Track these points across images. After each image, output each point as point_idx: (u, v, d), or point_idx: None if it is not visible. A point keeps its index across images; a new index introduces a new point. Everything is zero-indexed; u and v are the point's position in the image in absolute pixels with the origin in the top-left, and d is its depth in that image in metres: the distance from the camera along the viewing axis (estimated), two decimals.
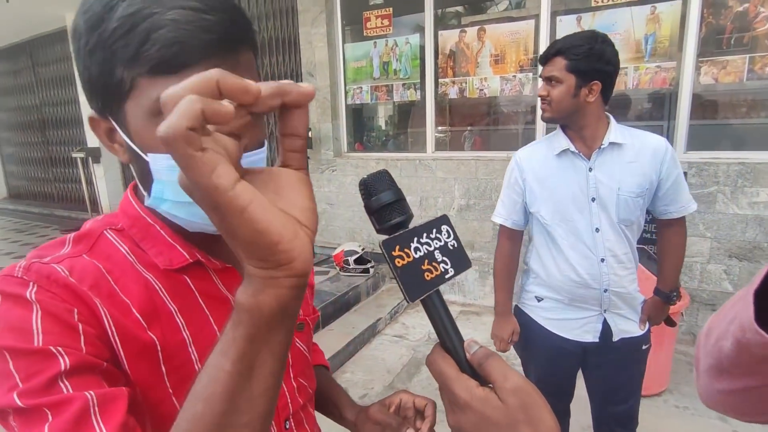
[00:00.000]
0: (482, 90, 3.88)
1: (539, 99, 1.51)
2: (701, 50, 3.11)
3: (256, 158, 0.52)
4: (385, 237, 0.45)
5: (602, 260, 1.52)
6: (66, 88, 7.46)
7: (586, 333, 1.58)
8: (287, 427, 0.67)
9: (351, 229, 4.56)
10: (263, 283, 0.35)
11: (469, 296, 4.04)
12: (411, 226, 0.47)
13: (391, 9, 4.15)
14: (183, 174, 0.31)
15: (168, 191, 0.49)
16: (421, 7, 3.99)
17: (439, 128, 4.18)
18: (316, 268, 3.95)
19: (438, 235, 0.48)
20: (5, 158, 9.34)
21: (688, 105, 3.17)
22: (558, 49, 1.41)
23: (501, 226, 1.71)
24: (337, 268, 4.15)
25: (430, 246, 0.47)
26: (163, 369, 0.53)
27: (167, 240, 0.57)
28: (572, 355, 1.62)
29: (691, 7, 3.07)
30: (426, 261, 0.46)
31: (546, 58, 1.45)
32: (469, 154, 3.95)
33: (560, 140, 1.51)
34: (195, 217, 0.51)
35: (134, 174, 0.56)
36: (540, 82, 1.50)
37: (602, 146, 1.46)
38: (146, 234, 0.57)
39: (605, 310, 1.57)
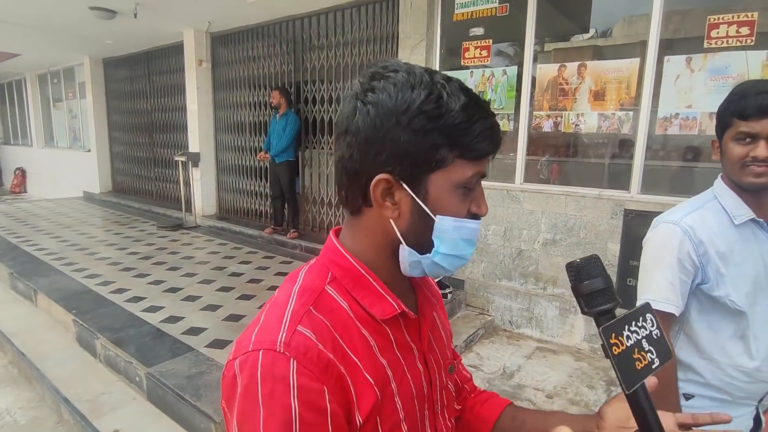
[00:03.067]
0: (578, 125, 3.83)
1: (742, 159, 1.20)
2: None
3: (478, 227, 0.68)
4: (604, 324, 0.47)
5: None
6: (175, 97, 8.13)
7: None
8: None
9: None
10: None
11: (547, 332, 3.94)
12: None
13: (490, 40, 4.22)
14: None
15: (443, 246, 0.63)
16: (521, 40, 4.01)
17: (528, 159, 4.15)
18: None
19: (643, 324, 0.50)
20: (114, 155, 10.26)
21: None
22: None
23: (661, 313, 1.31)
24: None
25: (638, 334, 0.49)
26: (378, 420, 0.61)
27: (378, 291, 0.66)
28: None
29: None
30: (636, 350, 0.48)
31: None
32: (559, 188, 3.89)
33: (740, 207, 1.26)
34: (451, 267, 0.65)
35: (401, 230, 0.64)
36: (745, 139, 1.20)
37: None
38: (357, 284, 0.65)
39: (760, 403, 1.36)
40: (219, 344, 3.22)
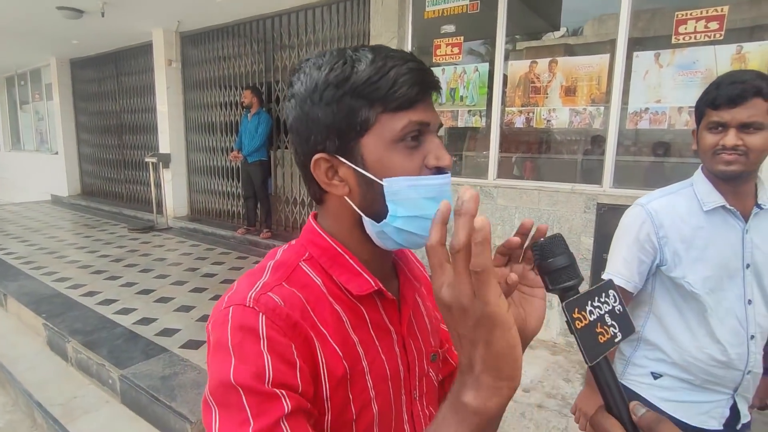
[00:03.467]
0: (549, 121, 3.89)
1: (716, 148, 1.23)
2: None
3: (443, 182, 0.61)
4: (568, 299, 0.49)
5: (752, 337, 1.30)
6: (145, 97, 7.98)
7: (712, 419, 1.36)
8: None
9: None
10: (493, 391, 0.44)
11: None
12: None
13: (462, 37, 4.25)
14: (460, 290, 0.42)
15: (401, 209, 0.59)
16: (492, 37, 4.06)
17: (501, 155, 4.20)
18: None
19: (606, 299, 0.51)
20: (82, 158, 9.99)
21: None
22: (759, 88, 1.16)
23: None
24: None
25: (601, 309, 0.50)
26: (350, 396, 0.61)
27: (355, 268, 0.65)
28: None
29: None
30: (599, 324, 0.49)
31: (740, 99, 1.18)
32: (532, 183, 3.94)
33: (711, 194, 1.28)
34: (421, 230, 0.60)
35: (356, 204, 0.63)
36: (715, 128, 1.24)
37: (762, 206, 1.28)
38: (334, 262, 0.65)
39: (737, 393, 1.35)
40: (193, 345, 3.17)
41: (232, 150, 6.10)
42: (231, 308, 0.57)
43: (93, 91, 9.24)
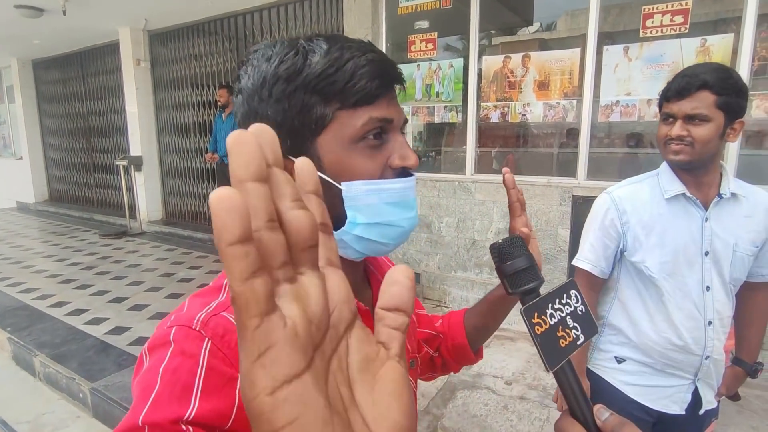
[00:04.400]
0: (524, 115, 3.90)
1: (665, 138, 1.28)
2: (753, 84, 3.09)
3: (406, 185, 0.56)
4: (527, 303, 0.46)
5: (710, 323, 1.33)
6: (113, 98, 7.76)
7: (673, 403, 1.39)
8: None
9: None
10: None
11: (504, 321, 4.00)
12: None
13: (436, 33, 4.23)
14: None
15: (360, 215, 0.54)
16: (466, 32, 4.05)
17: (478, 150, 4.21)
18: None
19: (568, 300, 0.49)
20: (48, 162, 9.69)
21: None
22: (704, 81, 1.20)
23: (581, 271, 1.47)
24: None
25: (562, 312, 0.48)
26: None
27: None
28: (648, 425, 1.44)
29: (743, 41, 3.05)
30: (560, 327, 0.47)
31: (686, 92, 1.22)
32: None
33: (673, 183, 1.32)
34: (385, 238, 0.56)
35: None
36: (666, 119, 1.29)
37: (722, 195, 1.30)
38: None
39: (698, 379, 1.38)
40: None
41: (206, 151, 5.98)
42: (174, 329, 0.50)
43: (58, 93, 8.96)
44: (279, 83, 0.53)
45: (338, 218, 0.55)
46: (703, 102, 1.21)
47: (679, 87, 1.23)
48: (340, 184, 0.54)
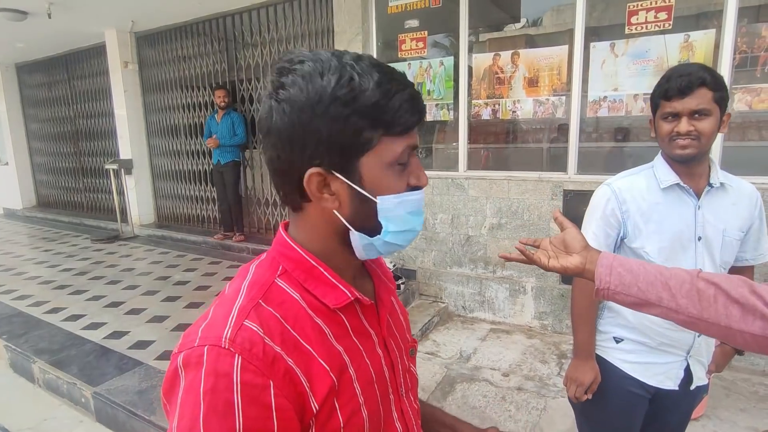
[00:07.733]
0: (515, 112, 3.96)
1: (673, 134, 1.36)
2: (735, 77, 3.17)
3: (420, 196, 0.66)
4: None
5: None
6: (101, 102, 7.68)
7: (668, 379, 1.50)
8: None
9: None
10: None
11: (499, 314, 4.07)
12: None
13: (426, 32, 4.27)
14: None
15: (391, 224, 0.64)
16: (455, 30, 4.10)
17: (470, 147, 4.26)
18: None
19: None
20: (35, 167, 9.57)
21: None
22: (704, 79, 1.30)
23: None
24: None
25: None
26: (336, 405, 0.61)
27: (330, 280, 0.66)
28: (644, 400, 1.55)
29: (725, 37, 3.13)
30: None
31: (688, 90, 1.31)
32: (502, 173, 4.01)
33: (668, 174, 1.43)
34: (405, 242, 0.67)
35: (345, 218, 0.64)
36: (665, 116, 1.37)
37: (712, 185, 1.41)
38: (309, 275, 0.65)
39: (690, 356, 1.49)
40: (169, 356, 3.08)
41: (199, 155, 5.91)
42: (206, 348, 0.55)
43: (43, 97, 8.83)
44: (336, 104, 0.57)
45: (371, 227, 0.64)
46: (704, 98, 1.31)
47: (681, 86, 1.32)
48: (375, 198, 0.62)
